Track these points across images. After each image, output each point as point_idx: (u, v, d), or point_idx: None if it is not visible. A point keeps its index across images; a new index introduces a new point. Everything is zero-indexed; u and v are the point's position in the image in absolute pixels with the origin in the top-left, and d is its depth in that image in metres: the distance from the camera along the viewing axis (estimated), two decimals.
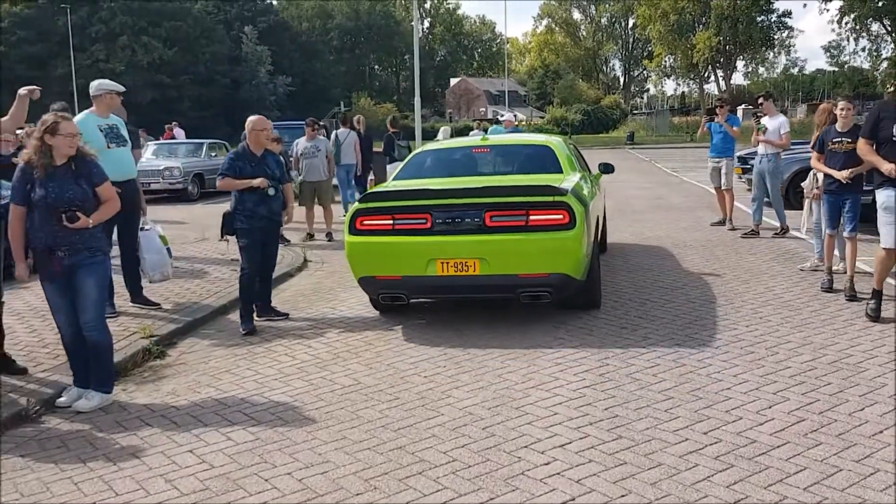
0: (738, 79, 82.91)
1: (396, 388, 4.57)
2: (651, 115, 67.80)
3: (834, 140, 6.45)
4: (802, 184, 7.97)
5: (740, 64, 78.31)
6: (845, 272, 6.55)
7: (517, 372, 4.75)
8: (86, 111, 6.20)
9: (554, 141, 7.41)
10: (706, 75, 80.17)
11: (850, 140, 6.29)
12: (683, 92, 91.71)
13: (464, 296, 5.98)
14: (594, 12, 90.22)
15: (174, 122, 22.63)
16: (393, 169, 12.82)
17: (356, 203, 5.92)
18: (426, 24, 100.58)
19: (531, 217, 5.40)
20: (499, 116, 13.34)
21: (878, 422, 3.83)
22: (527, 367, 4.84)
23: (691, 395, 4.27)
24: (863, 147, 5.80)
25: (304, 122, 19.55)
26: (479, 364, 4.94)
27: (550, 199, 5.44)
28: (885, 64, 50.47)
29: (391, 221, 5.61)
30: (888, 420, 3.84)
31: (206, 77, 57.91)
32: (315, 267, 8.72)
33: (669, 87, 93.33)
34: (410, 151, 8.55)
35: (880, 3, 52.06)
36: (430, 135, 29.28)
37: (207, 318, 6.38)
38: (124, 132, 6.30)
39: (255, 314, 6.18)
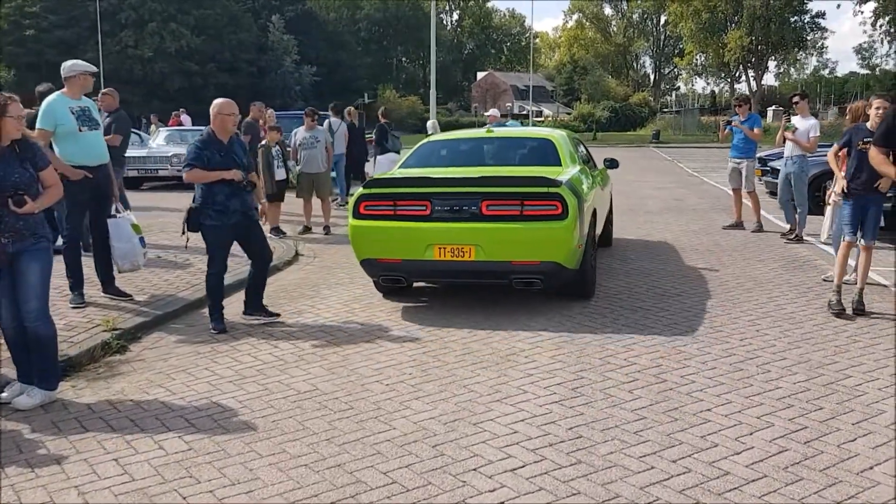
0: (769, 79, 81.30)
1: (354, 396, 4.28)
2: (680, 113, 66.73)
3: (865, 140, 5.79)
4: (830, 188, 7.37)
5: (772, 64, 76.71)
6: (855, 282, 6.12)
7: (485, 383, 4.44)
8: (57, 92, 5.97)
9: (556, 135, 7.42)
10: (737, 75, 78.71)
11: None
12: (713, 91, 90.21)
13: (459, 280, 6.21)
14: (626, 8, 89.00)
15: (181, 109, 22.67)
16: (385, 160, 12.82)
17: (360, 188, 6.12)
18: (455, 16, 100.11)
19: (525, 207, 5.60)
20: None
21: (870, 455, 3.46)
22: (496, 377, 4.53)
23: (667, 415, 3.94)
24: (875, 156, 5.37)
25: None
26: (448, 372, 4.64)
27: (545, 190, 5.61)
28: None
29: (393, 207, 5.86)
30: (881, 454, 3.47)
31: (231, 65, 58.07)
32: (305, 261, 8.46)
33: (700, 85, 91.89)
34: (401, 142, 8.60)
35: None
36: (443, 128, 28.91)
37: (180, 312, 6.15)
38: (96, 115, 6.07)
39: (244, 312, 5.87)
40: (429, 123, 15.25)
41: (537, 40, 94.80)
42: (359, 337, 5.44)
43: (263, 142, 9.84)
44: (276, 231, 9.81)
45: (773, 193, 11.72)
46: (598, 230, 7.25)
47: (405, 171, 6.79)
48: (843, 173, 6.17)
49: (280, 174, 9.83)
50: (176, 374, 4.74)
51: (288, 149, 10.34)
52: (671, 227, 10.70)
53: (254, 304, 5.93)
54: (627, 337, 5.31)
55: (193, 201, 5.66)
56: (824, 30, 71.65)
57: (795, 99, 9.78)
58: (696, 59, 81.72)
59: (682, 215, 11.92)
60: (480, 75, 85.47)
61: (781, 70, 76.42)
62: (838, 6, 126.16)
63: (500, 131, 8.07)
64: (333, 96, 64.21)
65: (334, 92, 65.34)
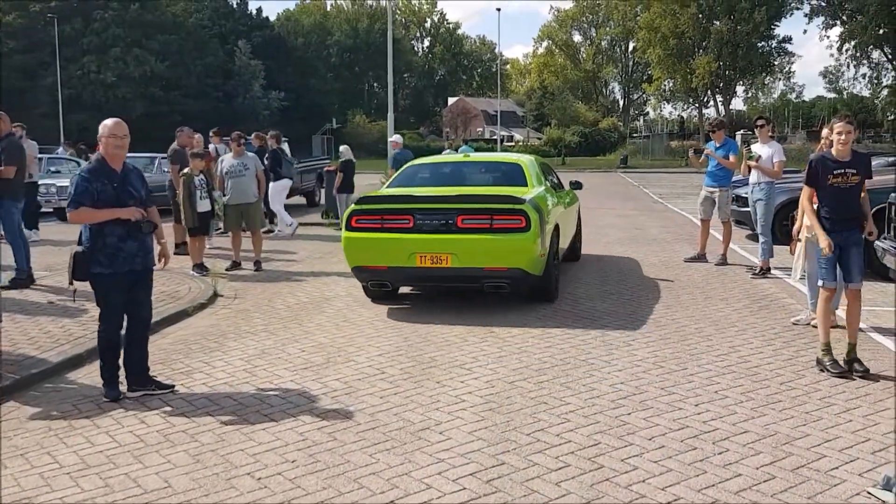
0: (737, 104, 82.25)
1: (211, 496, 3.42)
2: (648, 138, 66.92)
3: (835, 173, 5.02)
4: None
5: (740, 89, 77.60)
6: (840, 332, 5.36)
7: (383, 473, 3.61)
8: None
9: (524, 159, 8.37)
10: (705, 100, 79.51)
11: (854, 171, 5.03)
12: (682, 116, 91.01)
13: (437, 284, 7.32)
14: (594, 35, 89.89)
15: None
16: (279, 187, 12.20)
17: (352, 205, 7.00)
18: (426, 42, 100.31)
19: (494, 220, 6.55)
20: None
21: None
22: (399, 464, 3.70)
23: None
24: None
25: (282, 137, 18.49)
26: (341, 458, 3.80)
27: (510, 206, 6.57)
28: (885, 92, 49.54)
29: (381, 220, 6.77)
30: None
31: (197, 90, 57.13)
32: (223, 303, 7.59)
33: (668, 111, 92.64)
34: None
35: (881, 31, 51.35)
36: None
37: (50, 373, 5.25)
38: None
39: (128, 389, 4.81)
40: (342, 149, 14.38)
41: (508, 66, 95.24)
42: (247, 407, 4.58)
43: (185, 170, 8.99)
44: (199, 268, 8.93)
45: (739, 222, 11.10)
46: (564, 244, 8.14)
47: (392, 189, 7.72)
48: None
49: (203, 205, 8.96)
50: (11, 460, 3.85)
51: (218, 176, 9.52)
52: (630, 260, 9.99)
53: (137, 376, 4.87)
54: (560, 404, 4.52)
55: (79, 243, 4.73)
56: (791, 54, 72.77)
57: (760, 122, 9.21)
58: (665, 85, 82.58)
59: (644, 247, 11.24)
60: (452, 100, 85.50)
61: (750, 95, 77.34)
62: (804, 31, 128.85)
63: (474, 156, 9.34)
64: (302, 122, 63.87)
65: (304, 117, 64.82)
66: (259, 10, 67.94)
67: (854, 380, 4.89)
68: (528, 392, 4.73)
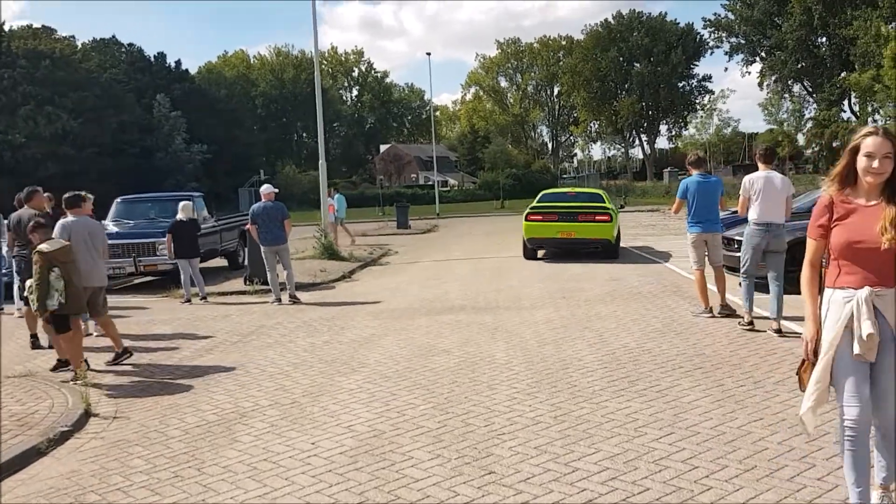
0: (662, 142, 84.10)
1: None
2: (579, 178, 67.13)
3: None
4: None
5: (664, 128, 79.43)
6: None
7: None
8: None
9: (601, 191, 18.73)
10: (631, 139, 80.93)
11: None
12: (609, 156, 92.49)
13: (569, 247, 15.39)
14: (520, 80, 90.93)
15: (47, 195, 19.29)
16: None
17: (530, 206, 15.72)
18: (355, 92, 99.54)
19: (596, 216, 14.97)
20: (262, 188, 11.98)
21: None
22: None
23: None
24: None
25: (188, 193, 16.37)
26: None
27: (603, 209, 15.26)
28: (809, 124, 50.84)
29: (542, 216, 15.22)
30: None
31: (113, 147, 54.16)
32: (95, 429, 5.63)
33: (597, 151, 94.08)
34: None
35: (800, 66, 52.97)
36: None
37: None
38: None
39: None
40: (181, 207, 12.61)
41: (437, 113, 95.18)
42: None
43: (42, 245, 6.99)
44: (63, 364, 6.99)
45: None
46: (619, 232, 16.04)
47: (542, 203, 15.87)
48: None
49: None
50: None
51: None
52: (627, 326, 8.48)
53: None
54: None
55: None
56: (711, 92, 74.96)
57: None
58: (591, 127, 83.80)
59: (632, 303, 9.78)
60: (383, 148, 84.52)
61: (674, 133, 79.10)
62: (725, 69, 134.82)
63: (574, 189, 21.13)
64: (228, 174, 61.31)
65: (229, 170, 62.35)
66: (178, 62, 65.63)
67: None
68: None
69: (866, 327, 3.13)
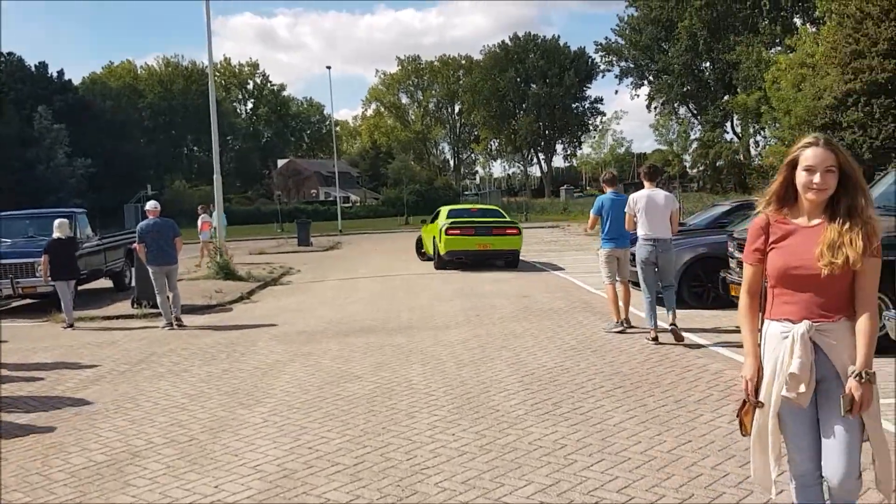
0: (558, 161, 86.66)
1: None
2: (481, 195, 68.02)
3: None
4: None
5: (560, 147, 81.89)
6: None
7: None
8: None
9: (498, 207, 24.34)
10: (529, 158, 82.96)
11: None
12: (509, 174, 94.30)
13: (485, 259, 17.09)
14: (421, 97, 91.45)
15: None
16: None
17: (447, 221, 17.11)
18: (249, 105, 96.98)
19: (507, 230, 17.35)
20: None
21: None
22: None
23: None
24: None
25: (69, 210, 15.18)
26: None
27: (512, 223, 18.01)
28: (695, 144, 53.59)
29: (460, 230, 16.86)
30: None
31: None
32: None
33: (497, 168, 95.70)
34: None
35: (685, 89, 55.81)
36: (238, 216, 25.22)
37: None
38: None
39: None
40: (56, 224, 11.51)
41: (338, 128, 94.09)
42: None
43: None
44: None
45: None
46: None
47: (454, 218, 17.42)
48: None
49: None
50: None
51: None
52: (543, 345, 8.32)
53: None
54: None
55: None
56: (603, 113, 77.97)
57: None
58: (491, 145, 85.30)
59: (544, 320, 9.65)
60: (281, 162, 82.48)
61: (569, 152, 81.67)
62: (616, 92, 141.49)
63: (476, 206, 26.47)
64: (114, 189, 58.02)
65: (115, 185, 59.05)
66: (61, 72, 61.80)
67: None
68: None
69: (793, 365, 2.76)
